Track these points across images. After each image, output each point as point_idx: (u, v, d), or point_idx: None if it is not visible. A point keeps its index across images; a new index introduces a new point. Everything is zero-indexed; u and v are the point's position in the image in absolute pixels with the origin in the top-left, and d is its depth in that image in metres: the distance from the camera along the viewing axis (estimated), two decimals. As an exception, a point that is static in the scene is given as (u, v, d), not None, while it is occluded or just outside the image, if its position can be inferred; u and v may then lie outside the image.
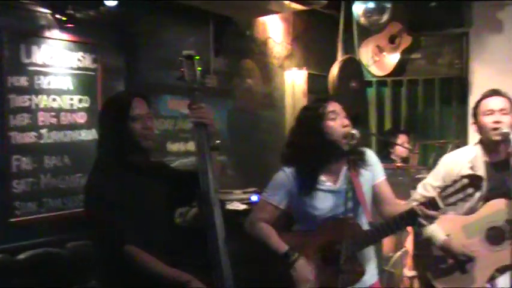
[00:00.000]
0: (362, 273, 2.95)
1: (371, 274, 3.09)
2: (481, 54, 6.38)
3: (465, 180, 2.78)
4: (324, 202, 3.02)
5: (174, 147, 4.87)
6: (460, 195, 2.78)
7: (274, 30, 5.91)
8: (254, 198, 4.33)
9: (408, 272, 4.76)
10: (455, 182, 2.80)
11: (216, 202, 2.63)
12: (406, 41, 6.72)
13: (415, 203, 2.91)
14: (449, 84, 6.65)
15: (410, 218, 2.85)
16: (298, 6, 5.18)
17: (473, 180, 2.79)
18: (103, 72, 4.25)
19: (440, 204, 2.78)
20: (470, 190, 2.77)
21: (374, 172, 3.11)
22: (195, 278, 2.59)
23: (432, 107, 6.71)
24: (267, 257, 3.10)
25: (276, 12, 5.51)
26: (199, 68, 2.73)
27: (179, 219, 4.05)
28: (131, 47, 4.48)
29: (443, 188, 2.83)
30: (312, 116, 3.03)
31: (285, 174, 3.10)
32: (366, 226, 3.01)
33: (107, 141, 2.77)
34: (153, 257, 2.60)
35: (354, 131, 2.96)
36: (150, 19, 4.59)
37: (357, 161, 3.05)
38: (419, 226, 2.94)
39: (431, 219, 2.83)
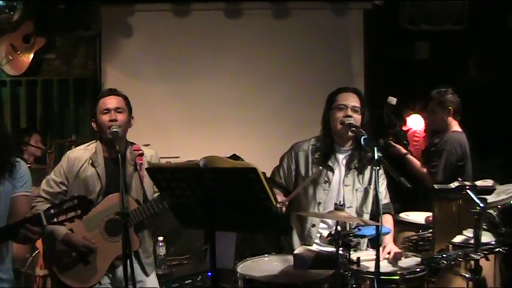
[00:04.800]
0: None
1: None
2: (113, 57, 6.64)
3: (75, 201, 2.93)
4: None
5: None
6: (67, 216, 2.89)
7: None
8: None
9: (40, 271, 4.81)
10: (65, 201, 2.92)
11: None
12: (40, 41, 6.73)
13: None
14: (83, 84, 6.86)
15: (12, 232, 2.94)
16: None
17: (83, 202, 2.92)
18: None
19: (45, 221, 2.88)
20: (78, 212, 2.90)
21: (16, 185, 3.13)
22: None
23: (67, 107, 6.86)
24: None
25: None
26: None
27: None
28: None
29: (53, 205, 2.94)
30: None
31: None
32: None
33: None
34: None
35: None
36: None
37: (3, 169, 3.05)
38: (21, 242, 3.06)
39: (35, 234, 2.92)
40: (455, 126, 4.93)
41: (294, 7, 6.48)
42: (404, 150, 5.03)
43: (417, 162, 4.95)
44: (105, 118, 3.65)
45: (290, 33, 6.47)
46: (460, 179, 3.53)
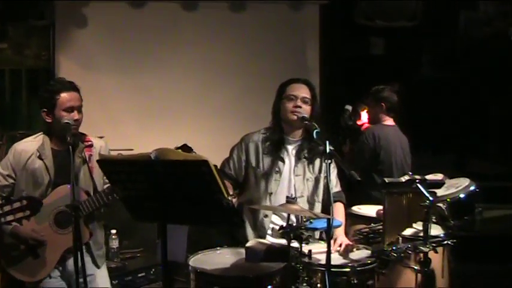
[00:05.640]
0: None
1: None
2: (67, 47, 6.53)
3: (24, 202, 2.89)
4: None
5: None
6: (15, 216, 2.88)
7: None
8: None
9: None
10: (13, 201, 2.90)
11: None
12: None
13: None
14: (36, 75, 6.73)
15: None
16: None
17: (32, 203, 2.92)
18: None
19: None
20: (27, 212, 2.89)
21: None
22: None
23: (19, 98, 6.73)
24: None
25: None
26: None
27: None
28: None
29: (1, 205, 2.92)
30: None
31: None
32: None
33: None
34: None
35: None
36: None
37: None
38: None
39: None
40: (387, 121, 5.07)
41: (251, 1, 6.49)
42: None
43: None
44: (68, 117, 3.57)
45: (246, 27, 6.48)
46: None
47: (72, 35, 6.50)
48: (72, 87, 3.65)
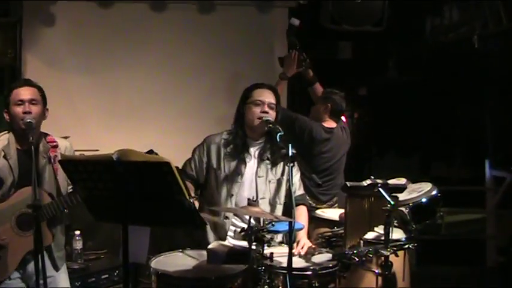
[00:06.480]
0: None
1: None
2: (33, 45, 6.44)
3: None
4: None
5: None
6: None
7: None
8: None
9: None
10: None
11: None
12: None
13: None
14: (2, 72, 6.62)
15: None
16: None
17: None
18: None
19: None
20: None
21: None
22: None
23: (-16, 96, 6.63)
24: None
25: None
26: None
27: None
28: None
29: None
30: None
31: None
32: None
33: None
34: None
35: None
36: None
37: None
38: None
39: None
40: (327, 122, 5.04)
41: (219, 3, 6.48)
42: (311, 74, 5.37)
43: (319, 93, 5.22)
44: (19, 110, 3.58)
45: (214, 28, 6.46)
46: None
47: (39, 33, 6.41)
48: (25, 82, 3.69)
